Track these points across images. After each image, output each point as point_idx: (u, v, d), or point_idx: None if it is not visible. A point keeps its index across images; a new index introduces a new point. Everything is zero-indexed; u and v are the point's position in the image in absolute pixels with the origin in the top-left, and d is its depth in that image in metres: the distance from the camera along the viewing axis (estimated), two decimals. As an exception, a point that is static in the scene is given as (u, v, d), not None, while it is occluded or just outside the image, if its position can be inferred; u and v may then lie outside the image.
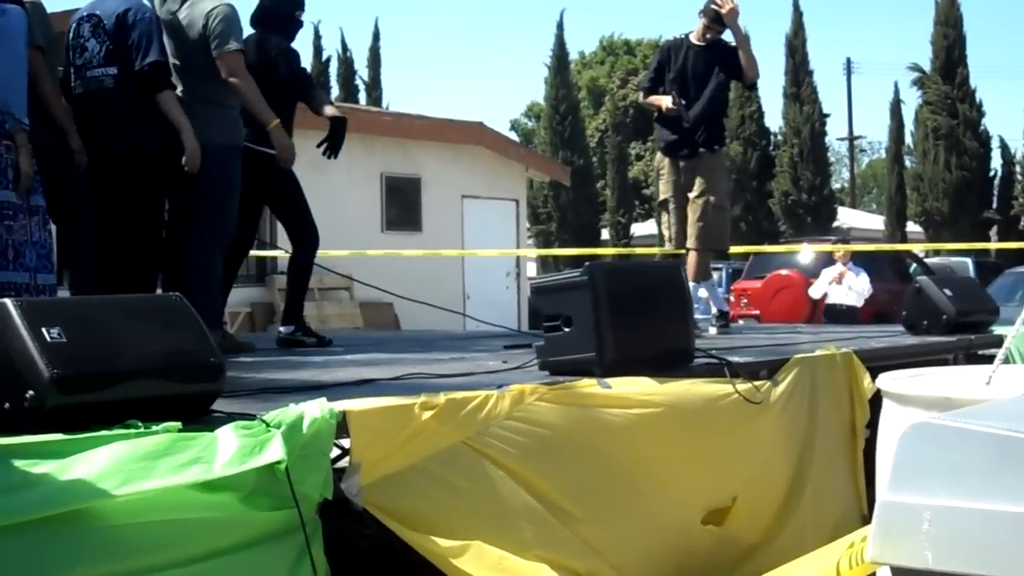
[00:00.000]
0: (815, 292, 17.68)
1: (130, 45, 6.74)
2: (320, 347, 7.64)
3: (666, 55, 9.05)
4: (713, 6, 8.73)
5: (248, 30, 7.71)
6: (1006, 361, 4.82)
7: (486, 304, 22.23)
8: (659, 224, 9.12)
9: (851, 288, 17.18)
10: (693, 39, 8.90)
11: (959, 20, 38.84)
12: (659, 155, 9.07)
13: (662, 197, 8.97)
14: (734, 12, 8.65)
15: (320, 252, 8.16)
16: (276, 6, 7.87)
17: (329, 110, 7.94)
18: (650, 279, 5.11)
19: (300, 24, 8.02)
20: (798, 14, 40.78)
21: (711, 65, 8.78)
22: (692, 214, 8.67)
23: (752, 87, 9.14)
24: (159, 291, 6.84)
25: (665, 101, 8.74)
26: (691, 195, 8.71)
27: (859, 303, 17.14)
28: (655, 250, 12.37)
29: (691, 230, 8.60)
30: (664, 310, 4.94)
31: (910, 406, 4.36)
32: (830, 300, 17.29)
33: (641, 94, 9.30)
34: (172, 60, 6.97)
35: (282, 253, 8.18)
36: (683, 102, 8.64)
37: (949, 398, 4.14)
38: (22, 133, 5.86)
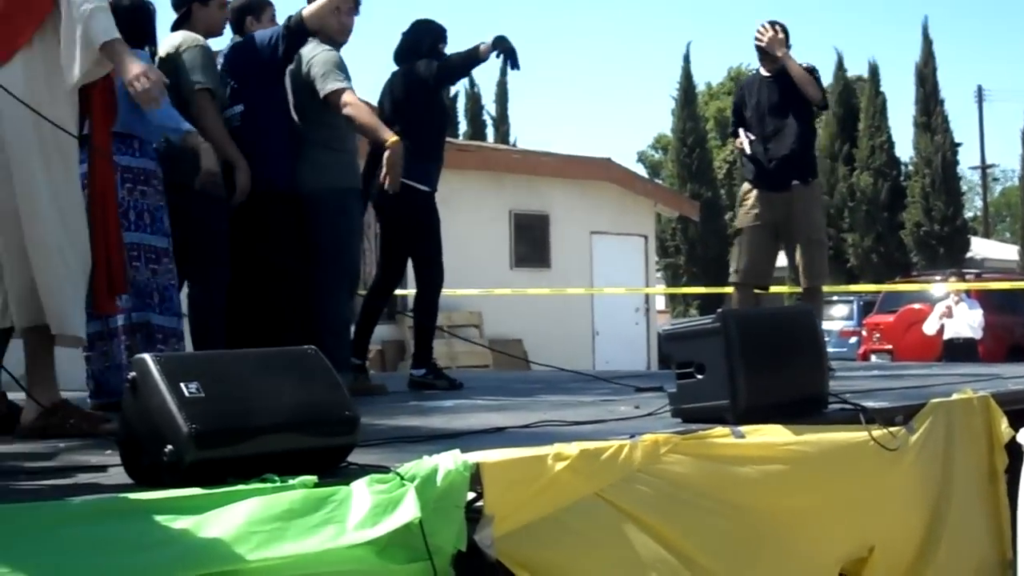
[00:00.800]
0: (928, 328, 17.45)
1: (248, 77, 6.94)
2: (451, 390, 7.66)
3: (741, 93, 9.05)
4: (756, 41, 8.66)
5: (392, 66, 7.83)
6: None
7: (615, 340, 22.22)
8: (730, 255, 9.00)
9: (965, 321, 16.94)
10: (763, 72, 8.85)
11: (1094, 46, 38.16)
12: (745, 185, 8.97)
13: (739, 226, 8.89)
14: (774, 40, 8.54)
15: (449, 290, 8.19)
16: (417, 40, 7.91)
17: (484, 44, 7.68)
18: (783, 324, 5.06)
19: (443, 57, 7.98)
20: (928, 42, 40.37)
21: (785, 95, 8.62)
22: (797, 252, 8.60)
23: (822, 107, 8.91)
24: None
25: (741, 143, 8.76)
26: (789, 233, 8.66)
27: (976, 335, 16.87)
28: (784, 288, 12.18)
29: (797, 269, 8.55)
30: (797, 355, 4.89)
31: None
32: (946, 335, 17.04)
33: (732, 138, 9.22)
34: (293, 112, 7.13)
35: (413, 292, 8.21)
36: (751, 138, 8.57)
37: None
38: (191, 136, 6.00)
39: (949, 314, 16.98)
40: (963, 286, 17.38)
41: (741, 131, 8.73)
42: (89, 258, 4.83)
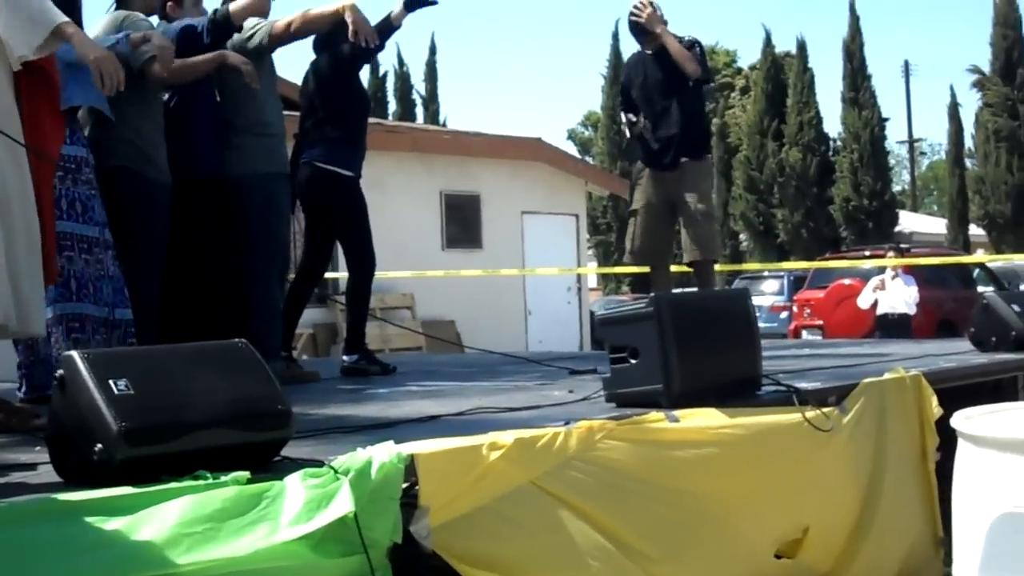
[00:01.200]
0: (863, 302, 17.55)
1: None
2: (383, 375, 7.65)
3: (628, 72, 8.87)
4: (632, 17, 8.51)
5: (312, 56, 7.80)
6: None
7: (548, 319, 22.26)
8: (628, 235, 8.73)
9: (900, 297, 17.03)
10: (645, 50, 8.68)
11: (1018, 21, 38.56)
12: (639, 164, 8.75)
13: (634, 207, 8.64)
14: (652, 17, 8.38)
15: (382, 272, 8.15)
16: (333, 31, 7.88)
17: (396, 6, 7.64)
18: (716, 307, 5.08)
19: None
20: (855, 18, 40.57)
21: (669, 72, 8.46)
22: (685, 226, 8.41)
23: (702, 82, 8.61)
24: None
25: (623, 125, 8.72)
26: (680, 208, 8.45)
27: (911, 311, 16.98)
28: (717, 267, 12.22)
29: (686, 243, 8.36)
30: (731, 338, 4.90)
31: (986, 447, 4.30)
32: (880, 310, 17.14)
33: (622, 116, 8.92)
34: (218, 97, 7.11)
35: (345, 275, 8.16)
36: (634, 119, 8.52)
37: (1026, 440, 4.08)
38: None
39: (883, 287, 17.08)
40: (894, 262, 17.46)
41: (623, 114, 8.67)
42: (40, 248, 4.75)
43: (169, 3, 7.17)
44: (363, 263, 7.84)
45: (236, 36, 7.04)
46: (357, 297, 7.93)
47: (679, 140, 8.38)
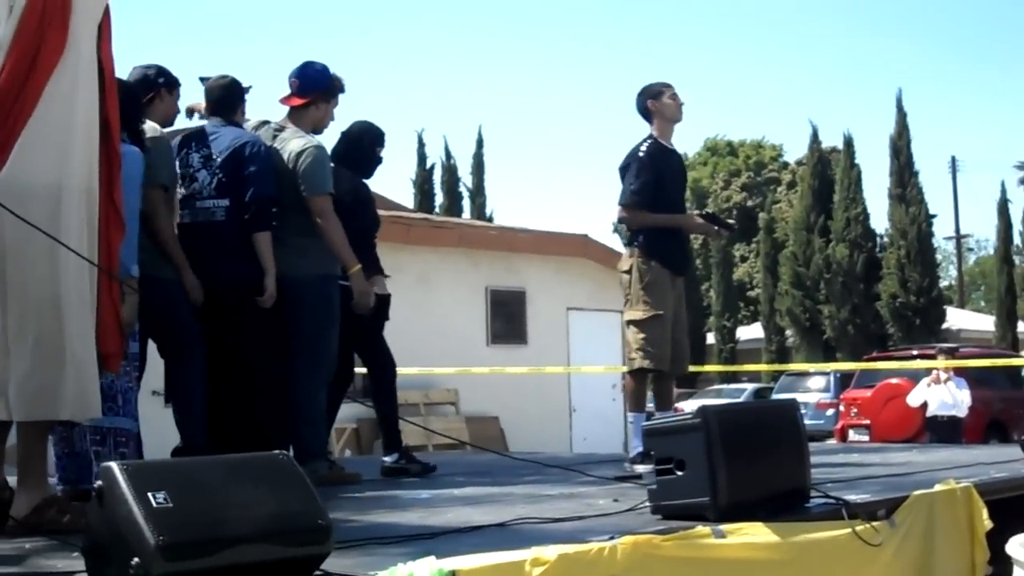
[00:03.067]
0: (913, 400, 17.38)
1: (245, 176, 6.83)
2: (423, 474, 7.60)
3: (660, 166, 8.06)
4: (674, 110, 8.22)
5: None
6: None
7: (593, 417, 22.12)
8: (643, 340, 7.90)
9: (952, 398, 16.86)
10: (664, 143, 8.17)
11: (1068, 118, 38.50)
12: (655, 266, 7.93)
13: (657, 313, 7.85)
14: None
15: (426, 369, 8.12)
16: (356, 142, 7.92)
17: (378, 286, 7.79)
18: (764, 419, 5.02)
19: (379, 160, 8.07)
20: (902, 114, 40.68)
21: (683, 172, 8.43)
22: (677, 338, 8.01)
23: None
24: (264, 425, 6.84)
25: (694, 223, 8.34)
26: (681, 316, 8.09)
27: (961, 414, 16.80)
28: (762, 367, 11.97)
29: (676, 355, 7.95)
30: (779, 450, 4.84)
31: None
32: (930, 411, 16.97)
33: (635, 211, 8.06)
34: None
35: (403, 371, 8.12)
36: (714, 214, 8.40)
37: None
38: (130, 280, 5.89)
39: (937, 380, 16.91)
40: (944, 364, 17.27)
41: (707, 213, 8.50)
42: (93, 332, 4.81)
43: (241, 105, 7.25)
44: (381, 362, 7.84)
45: (289, 155, 7.14)
46: (383, 398, 7.91)
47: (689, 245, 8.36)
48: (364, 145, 7.96)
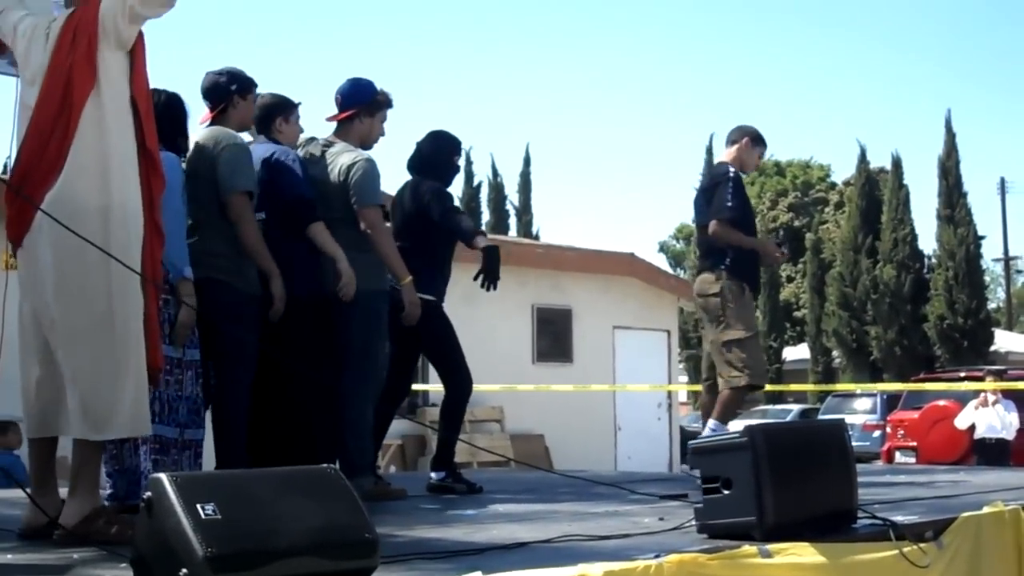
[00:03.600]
0: (961, 423, 17.26)
1: (279, 184, 6.84)
2: (469, 494, 7.59)
3: (742, 189, 8.69)
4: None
5: (405, 175, 7.85)
6: None
7: (638, 435, 22.10)
8: (746, 357, 8.47)
9: (1001, 421, 16.73)
10: (744, 174, 8.84)
11: (1117, 140, 38.19)
12: (740, 285, 8.53)
13: (752, 334, 8.56)
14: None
15: (473, 385, 8.12)
16: (435, 153, 7.98)
17: (480, 241, 7.88)
18: (812, 439, 4.99)
19: (457, 169, 8.13)
20: (951, 135, 40.38)
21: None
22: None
23: None
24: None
25: (772, 248, 8.97)
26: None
27: (1010, 436, 16.68)
28: (809, 387, 11.92)
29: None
30: (826, 470, 4.81)
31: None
32: (978, 434, 16.84)
33: (729, 227, 8.52)
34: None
35: (434, 387, 8.16)
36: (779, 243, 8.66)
37: None
38: (185, 283, 5.93)
39: (985, 403, 16.79)
40: (993, 386, 17.16)
41: (775, 238, 8.91)
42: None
43: (279, 118, 7.24)
44: (458, 383, 7.83)
45: (338, 171, 7.15)
46: (450, 416, 7.91)
47: None
48: (442, 154, 8.00)
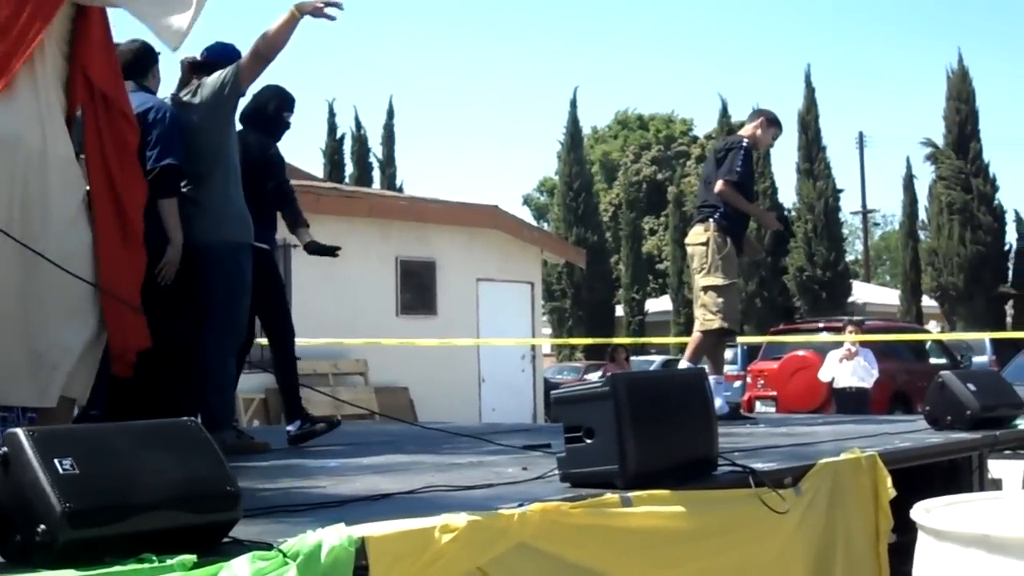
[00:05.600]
0: (824, 375, 17.55)
1: (147, 143, 6.71)
2: (330, 429, 7.73)
3: (751, 161, 9.74)
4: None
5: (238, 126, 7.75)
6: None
7: (502, 387, 22.19)
8: (721, 303, 9.40)
9: (862, 371, 17.04)
10: (748, 142, 9.66)
11: (971, 95, 38.97)
12: (726, 240, 9.44)
13: (734, 281, 9.47)
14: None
15: (336, 339, 8.13)
16: (261, 105, 7.88)
17: (305, 237, 8.10)
18: (673, 388, 5.04)
19: (286, 125, 8.02)
20: (810, 90, 40.99)
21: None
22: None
23: None
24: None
25: (770, 218, 10.43)
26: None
27: (869, 385, 16.99)
28: (670, 339, 12.10)
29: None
30: (687, 419, 4.86)
31: (947, 542, 4.26)
32: (839, 384, 17.15)
33: (735, 189, 9.48)
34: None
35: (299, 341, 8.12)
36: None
37: (988, 536, 4.04)
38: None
39: (849, 357, 17.09)
40: (853, 338, 17.48)
41: (777, 213, 9.48)
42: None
43: (154, 67, 7.17)
44: (288, 330, 7.88)
45: (207, 91, 6.99)
46: (285, 365, 7.91)
47: None
48: (270, 109, 7.90)
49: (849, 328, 18.42)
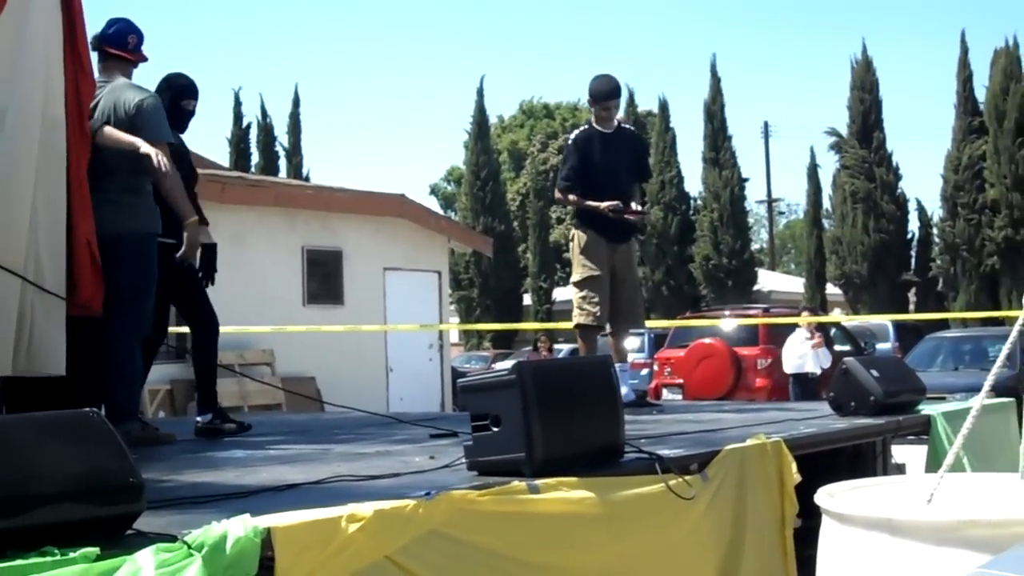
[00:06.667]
0: (791, 367, 17.79)
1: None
2: (239, 432, 7.57)
3: (585, 149, 9.30)
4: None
5: None
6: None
7: (409, 376, 22.16)
8: (581, 298, 9.31)
9: (822, 357, 17.37)
10: (599, 128, 9.35)
11: (875, 85, 39.39)
12: (586, 233, 9.11)
13: (594, 273, 9.09)
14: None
15: (242, 328, 8.07)
16: (162, 95, 7.79)
17: (204, 237, 7.86)
18: (579, 375, 5.04)
19: (190, 113, 7.96)
20: (716, 79, 41.29)
21: (629, 156, 9.41)
22: (630, 298, 9.18)
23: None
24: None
25: (603, 207, 9.12)
26: (626, 279, 9.22)
27: (820, 371, 17.29)
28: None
29: (630, 312, 8.85)
30: (593, 406, 4.87)
31: (851, 526, 4.31)
32: (805, 369, 17.42)
33: (564, 193, 9.46)
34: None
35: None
36: (619, 204, 8.87)
37: (891, 519, 4.09)
38: None
39: (821, 343, 17.35)
40: (807, 320, 17.82)
41: (609, 203, 9.00)
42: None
43: None
44: (205, 321, 7.81)
45: (122, 110, 6.97)
46: (204, 355, 7.85)
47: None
48: (167, 99, 7.79)
49: (804, 313, 18.72)
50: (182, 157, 7.88)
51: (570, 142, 9.50)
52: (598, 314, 9.12)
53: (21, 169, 4.52)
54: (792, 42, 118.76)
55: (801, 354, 17.55)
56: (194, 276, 7.73)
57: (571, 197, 9.42)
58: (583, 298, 9.20)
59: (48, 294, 4.66)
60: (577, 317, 9.26)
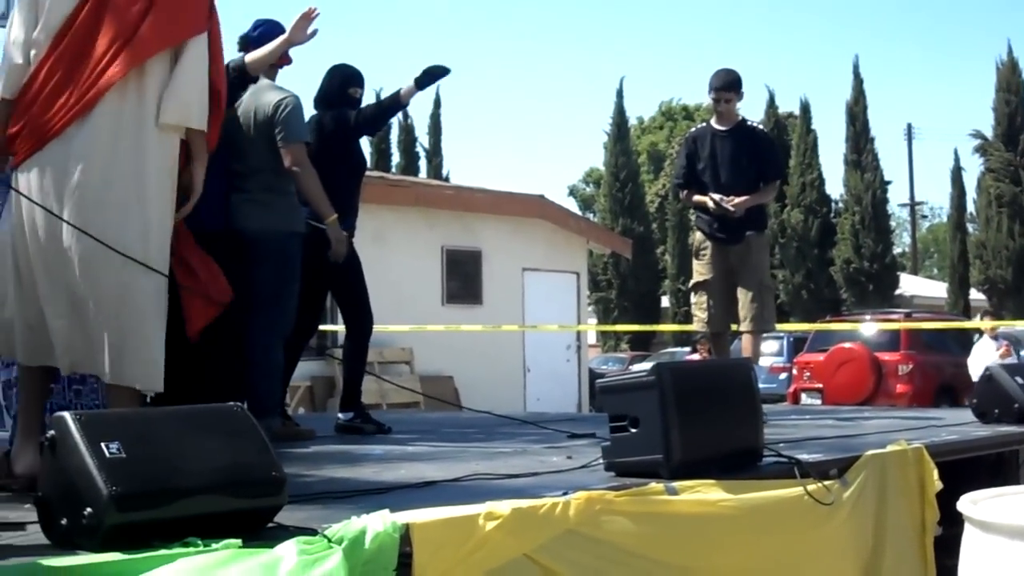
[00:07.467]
0: (976, 371, 17.56)
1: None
2: (378, 434, 7.59)
3: (694, 146, 9.08)
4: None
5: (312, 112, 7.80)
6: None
7: (547, 376, 22.16)
8: (694, 304, 9.13)
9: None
10: (716, 126, 9.01)
11: (1021, 87, 38.73)
12: (700, 235, 9.04)
13: (703, 278, 8.92)
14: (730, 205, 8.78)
15: (381, 327, 8.10)
16: (327, 84, 7.94)
17: (409, 90, 7.87)
18: (718, 377, 5.02)
19: (356, 101, 8.01)
20: (858, 81, 40.79)
21: (740, 150, 8.87)
22: (749, 298, 8.75)
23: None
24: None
25: (709, 203, 8.79)
26: (743, 279, 8.83)
27: None
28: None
29: (748, 313, 8.62)
30: (732, 409, 4.85)
31: (994, 534, 4.23)
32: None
33: (678, 191, 9.55)
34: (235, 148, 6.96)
35: (344, 328, 8.12)
36: (722, 199, 8.63)
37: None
38: None
39: (1009, 352, 17.04)
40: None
41: (712, 196, 8.75)
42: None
43: None
44: (360, 321, 7.81)
45: (261, 113, 7.07)
46: (354, 355, 7.89)
47: (749, 216, 8.76)
48: (333, 86, 7.93)
49: (984, 317, 18.40)
50: (350, 148, 7.95)
51: (687, 137, 9.42)
52: (706, 320, 8.97)
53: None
54: (936, 43, 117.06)
55: (989, 364, 17.24)
56: (355, 272, 7.77)
57: (681, 195, 9.48)
58: (694, 303, 9.09)
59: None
60: (698, 324, 9.21)
